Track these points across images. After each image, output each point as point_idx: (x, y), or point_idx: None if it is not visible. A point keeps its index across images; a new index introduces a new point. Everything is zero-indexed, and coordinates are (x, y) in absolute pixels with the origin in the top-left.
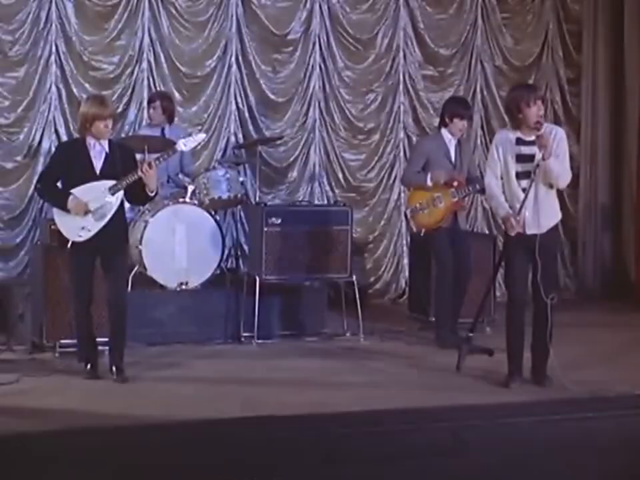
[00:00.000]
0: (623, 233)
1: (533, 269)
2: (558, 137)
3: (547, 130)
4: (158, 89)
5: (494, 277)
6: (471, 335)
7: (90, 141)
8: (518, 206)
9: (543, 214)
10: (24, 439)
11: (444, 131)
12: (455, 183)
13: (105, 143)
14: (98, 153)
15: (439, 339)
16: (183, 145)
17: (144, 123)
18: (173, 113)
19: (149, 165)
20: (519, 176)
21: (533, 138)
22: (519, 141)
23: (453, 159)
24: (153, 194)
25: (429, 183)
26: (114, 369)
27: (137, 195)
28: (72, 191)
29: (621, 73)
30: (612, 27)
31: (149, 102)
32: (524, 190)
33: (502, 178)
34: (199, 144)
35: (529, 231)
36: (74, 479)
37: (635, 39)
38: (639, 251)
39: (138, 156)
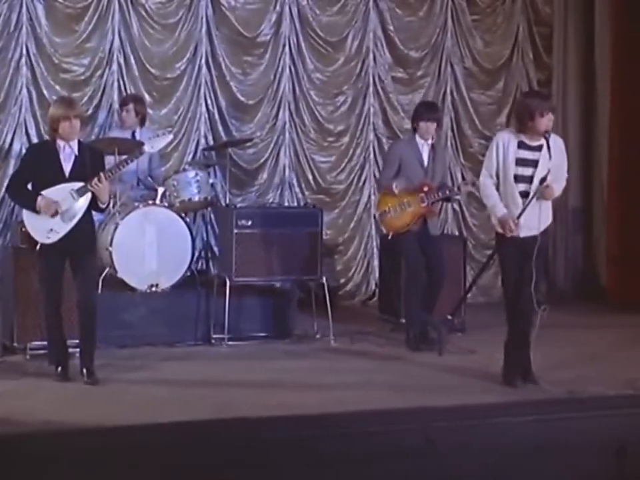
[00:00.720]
0: (594, 235)
1: (523, 271)
2: (558, 145)
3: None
4: (128, 91)
5: (476, 278)
6: (450, 317)
7: (59, 143)
8: (514, 208)
9: (543, 217)
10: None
11: (417, 136)
12: (425, 188)
13: (75, 145)
14: (67, 155)
15: (409, 342)
16: (150, 146)
17: (114, 125)
18: (145, 116)
19: (99, 179)
20: (517, 179)
21: (536, 143)
22: (522, 145)
23: (425, 163)
24: (104, 206)
25: (395, 190)
26: (84, 371)
27: (94, 201)
28: (41, 192)
29: (592, 76)
30: (582, 29)
31: (122, 105)
32: (521, 193)
33: (497, 178)
34: (167, 144)
35: (522, 234)
36: None
37: (605, 41)
38: (610, 253)
39: (109, 158)
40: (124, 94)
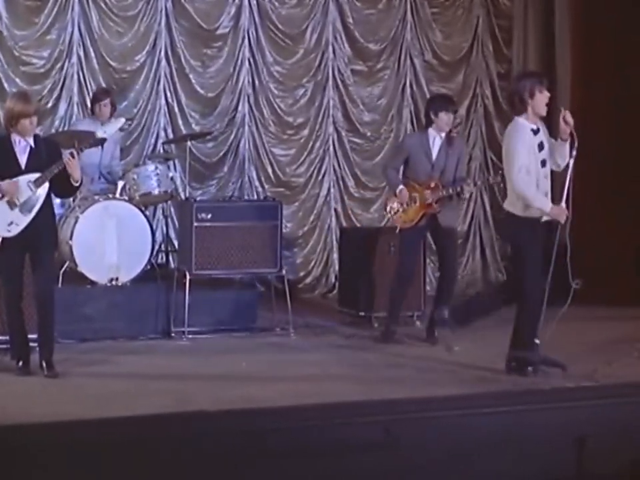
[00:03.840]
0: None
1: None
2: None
3: None
4: (88, 83)
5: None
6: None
7: (15, 137)
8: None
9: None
10: None
11: (430, 130)
12: (432, 185)
13: (30, 138)
14: (22, 148)
15: (386, 334)
16: (103, 131)
17: (80, 117)
18: (116, 107)
19: (71, 154)
20: (543, 164)
21: (535, 126)
22: (534, 131)
23: (433, 158)
24: (77, 184)
25: (397, 193)
26: (44, 364)
27: (63, 186)
28: None
29: (552, 68)
30: (542, 21)
31: (99, 99)
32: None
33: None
34: (119, 128)
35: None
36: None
37: (565, 33)
38: (572, 247)
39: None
40: (90, 88)
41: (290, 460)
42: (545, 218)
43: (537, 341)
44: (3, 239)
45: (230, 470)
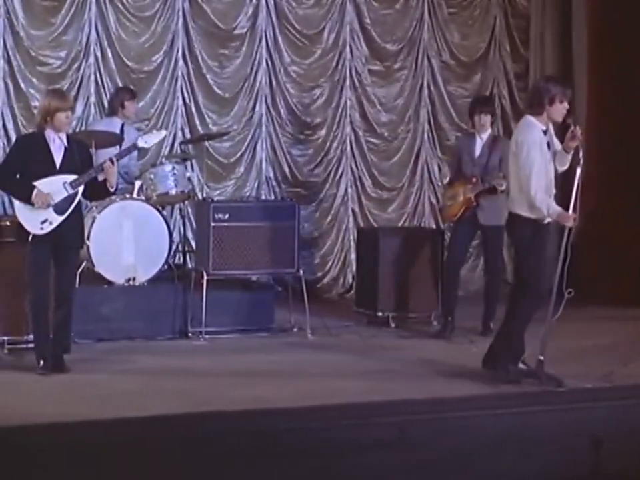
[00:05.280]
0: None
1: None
2: None
3: None
4: (105, 84)
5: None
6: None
7: (49, 134)
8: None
9: None
10: None
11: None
12: (473, 180)
13: (64, 137)
14: (58, 146)
15: (443, 329)
16: (144, 142)
17: (97, 117)
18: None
19: (110, 160)
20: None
21: (544, 127)
22: (543, 132)
23: (476, 156)
24: (113, 189)
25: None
26: (56, 362)
27: (98, 190)
28: (34, 183)
29: (569, 68)
30: (559, 21)
31: (130, 98)
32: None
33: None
34: (160, 140)
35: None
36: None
37: (582, 33)
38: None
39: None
40: (107, 88)
41: (305, 459)
42: (548, 219)
43: (542, 358)
44: (33, 235)
45: (246, 470)
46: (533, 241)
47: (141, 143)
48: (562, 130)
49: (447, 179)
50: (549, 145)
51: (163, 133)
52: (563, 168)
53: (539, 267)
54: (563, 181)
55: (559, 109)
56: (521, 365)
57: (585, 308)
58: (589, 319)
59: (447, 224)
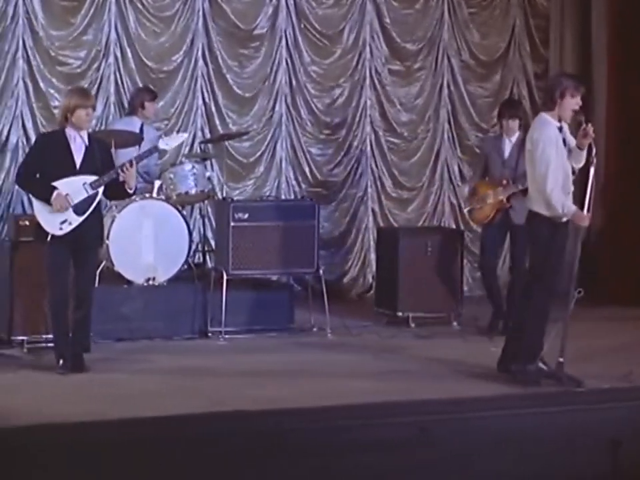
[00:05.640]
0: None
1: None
2: None
3: None
4: (125, 84)
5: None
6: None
7: (70, 132)
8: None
9: None
10: None
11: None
12: (504, 182)
13: (85, 136)
14: (78, 146)
15: (491, 326)
16: (165, 144)
17: (117, 117)
18: None
19: (130, 163)
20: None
21: (559, 124)
22: (558, 129)
23: (505, 156)
24: (131, 191)
25: (464, 190)
26: (76, 361)
27: (117, 192)
28: (53, 184)
29: (588, 68)
30: (579, 21)
31: (150, 99)
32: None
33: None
34: (181, 143)
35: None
36: (41, 474)
37: (602, 33)
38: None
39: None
40: (126, 88)
41: (324, 459)
42: (565, 218)
43: (561, 359)
44: (52, 235)
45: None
46: (551, 239)
47: (161, 145)
48: (576, 129)
49: (470, 181)
50: (564, 141)
51: (184, 135)
52: (578, 165)
53: (557, 265)
54: (578, 180)
55: (570, 104)
56: (540, 365)
57: (596, 308)
58: (599, 319)
59: (477, 226)
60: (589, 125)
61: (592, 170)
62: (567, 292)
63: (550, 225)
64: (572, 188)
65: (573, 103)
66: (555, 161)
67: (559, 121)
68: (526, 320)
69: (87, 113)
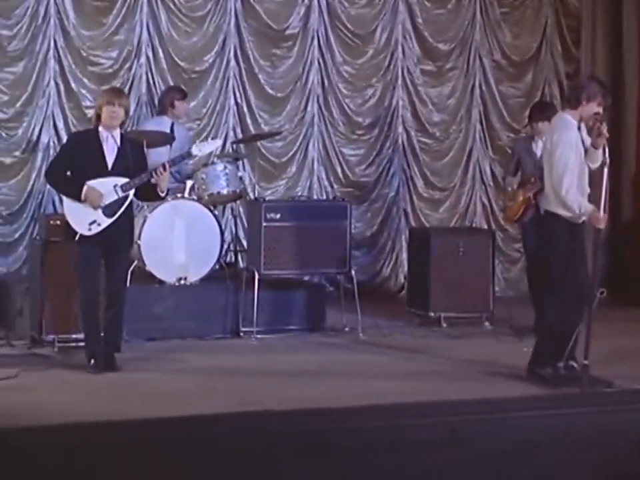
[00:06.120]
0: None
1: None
2: None
3: None
4: (157, 84)
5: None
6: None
7: (102, 132)
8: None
9: None
10: (20, 433)
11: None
12: (532, 180)
13: (117, 136)
14: (110, 146)
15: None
16: (198, 150)
17: (145, 116)
18: None
19: (163, 167)
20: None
21: (578, 125)
22: (578, 129)
23: (536, 157)
24: (163, 194)
25: (508, 189)
26: (107, 361)
27: (149, 194)
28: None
29: (620, 68)
30: (611, 21)
31: (180, 98)
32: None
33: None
34: (214, 150)
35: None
36: (68, 474)
37: (633, 33)
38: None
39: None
40: (158, 88)
41: (354, 459)
42: (583, 218)
43: (586, 362)
44: (81, 235)
45: (295, 469)
46: (570, 240)
47: (194, 152)
48: (591, 128)
49: (509, 183)
50: (582, 142)
51: (218, 142)
52: (594, 164)
53: (579, 266)
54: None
55: (592, 109)
56: (571, 364)
57: (618, 308)
58: (623, 320)
59: (509, 224)
60: (603, 124)
61: (605, 170)
62: (591, 293)
63: (567, 225)
64: (588, 190)
65: (595, 108)
66: (572, 162)
67: (579, 120)
68: (550, 322)
69: (112, 111)
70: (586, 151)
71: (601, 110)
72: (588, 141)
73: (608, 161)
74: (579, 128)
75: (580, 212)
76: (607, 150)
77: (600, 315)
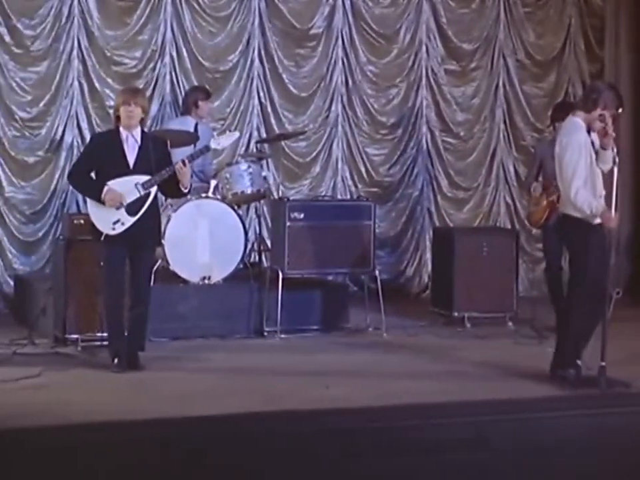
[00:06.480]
0: None
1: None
2: None
3: None
4: (181, 84)
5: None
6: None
7: (123, 132)
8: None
9: None
10: (44, 432)
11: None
12: (554, 183)
13: (138, 136)
14: (131, 145)
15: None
16: (217, 143)
17: (169, 116)
18: None
19: (183, 162)
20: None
21: (587, 128)
22: (587, 132)
23: None
24: (186, 190)
25: (532, 192)
26: (132, 360)
27: (171, 190)
28: (107, 183)
29: None
30: (634, 20)
31: (204, 98)
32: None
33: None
34: (233, 142)
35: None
36: (91, 473)
37: None
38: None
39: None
40: (182, 88)
41: (380, 459)
42: (597, 220)
43: (603, 363)
44: (106, 235)
45: (323, 469)
46: (588, 241)
47: (213, 145)
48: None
49: (534, 188)
50: (593, 144)
51: (236, 134)
52: (606, 166)
53: (595, 267)
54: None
55: (605, 116)
56: (571, 369)
57: (634, 308)
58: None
59: (534, 228)
60: (609, 124)
61: (615, 170)
62: (607, 293)
63: (583, 227)
64: (603, 192)
65: (607, 116)
66: (581, 165)
67: (588, 123)
68: (570, 323)
69: (129, 110)
70: (597, 153)
71: (609, 120)
72: (597, 142)
73: (617, 160)
74: (589, 131)
75: (592, 212)
76: (615, 150)
77: (616, 316)
